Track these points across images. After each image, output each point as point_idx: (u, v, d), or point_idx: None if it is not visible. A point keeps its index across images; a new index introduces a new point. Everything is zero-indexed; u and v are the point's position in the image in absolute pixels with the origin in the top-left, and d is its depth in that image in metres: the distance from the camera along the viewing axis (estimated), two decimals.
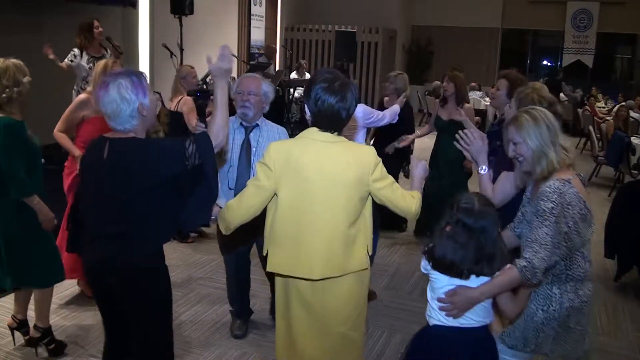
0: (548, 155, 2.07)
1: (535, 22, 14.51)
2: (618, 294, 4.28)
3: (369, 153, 2.19)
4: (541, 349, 2.23)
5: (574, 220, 2.06)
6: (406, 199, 2.26)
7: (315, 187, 2.12)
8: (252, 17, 11.36)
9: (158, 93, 7.54)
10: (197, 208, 2.17)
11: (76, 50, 5.31)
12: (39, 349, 3.07)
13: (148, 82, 2.14)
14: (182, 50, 7.45)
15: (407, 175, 5.10)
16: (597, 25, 14.08)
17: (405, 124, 5.06)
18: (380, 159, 2.21)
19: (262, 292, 3.77)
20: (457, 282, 2.00)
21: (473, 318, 2.04)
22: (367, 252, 2.27)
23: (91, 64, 5.20)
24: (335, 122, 2.16)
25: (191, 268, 4.39)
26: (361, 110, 3.95)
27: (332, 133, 2.17)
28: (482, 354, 2.07)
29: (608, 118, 9.60)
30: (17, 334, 3.15)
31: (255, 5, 11.46)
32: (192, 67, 4.74)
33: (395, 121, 4.34)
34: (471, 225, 1.97)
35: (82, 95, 3.60)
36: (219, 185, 3.12)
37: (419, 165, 2.44)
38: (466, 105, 4.75)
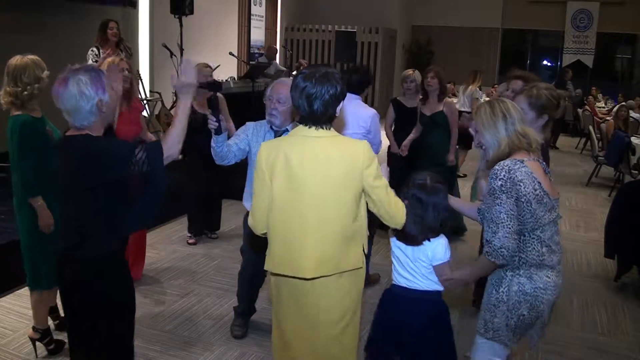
0: (500, 141, 2.15)
1: (535, 22, 14.52)
2: (618, 294, 4.28)
3: (363, 147, 2.11)
4: (499, 336, 2.21)
5: (526, 199, 2.07)
6: (398, 205, 2.19)
7: (306, 184, 2.07)
8: (252, 17, 11.36)
9: (158, 93, 7.56)
10: (139, 214, 2.18)
11: (95, 50, 5.38)
12: (39, 349, 3.08)
13: (106, 79, 2.12)
14: (182, 50, 7.45)
15: None
16: (597, 25, 14.09)
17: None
18: (375, 156, 2.14)
19: (263, 292, 3.77)
20: (415, 248, 2.35)
21: (417, 281, 2.35)
22: (363, 250, 2.22)
23: None
24: (309, 111, 2.06)
25: (191, 268, 4.39)
26: (373, 114, 3.80)
27: (323, 128, 2.10)
28: (433, 316, 2.34)
29: (608, 118, 9.60)
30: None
31: (255, 5, 11.46)
32: (207, 67, 4.57)
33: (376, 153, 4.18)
34: (424, 199, 2.30)
35: None
36: (246, 188, 3.11)
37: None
38: (447, 100, 4.87)
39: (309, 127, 2.10)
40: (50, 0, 6.37)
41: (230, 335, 3.38)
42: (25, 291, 3.78)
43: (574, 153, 10.64)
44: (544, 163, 2.23)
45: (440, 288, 2.38)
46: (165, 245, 4.84)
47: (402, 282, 2.39)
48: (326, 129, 2.11)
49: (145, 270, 4.22)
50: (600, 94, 13.21)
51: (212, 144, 2.86)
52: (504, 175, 2.07)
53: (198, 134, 4.52)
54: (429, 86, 4.78)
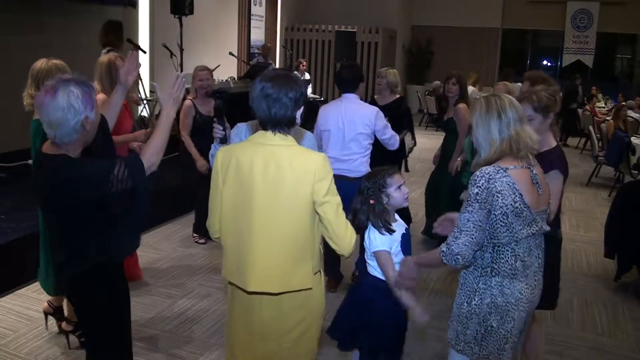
0: (491, 143, 2.04)
1: (535, 22, 14.51)
2: (618, 294, 4.28)
3: (318, 159, 1.99)
4: (471, 349, 2.14)
5: (502, 211, 1.98)
6: (347, 229, 2.04)
7: (255, 192, 1.97)
8: (252, 17, 11.36)
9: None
10: (126, 236, 2.13)
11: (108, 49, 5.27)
12: (71, 338, 3.16)
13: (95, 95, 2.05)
14: (182, 50, 7.45)
15: (407, 169, 5.14)
16: (597, 25, 14.08)
17: (403, 120, 5.06)
18: (332, 171, 2.02)
19: None
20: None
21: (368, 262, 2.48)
22: (313, 270, 2.08)
23: None
24: (267, 113, 1.97)
25: (191, 268, 4.39)
26: (376, 111, 3.77)
27: (281, 133, 2.00)
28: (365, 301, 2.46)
29: (608, 118, 9.60)
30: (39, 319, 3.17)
31: (255, 5, 11.46)
32: (203, 70, 4.57)
33: (396, 148, 4.09)
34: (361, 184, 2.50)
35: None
36: None
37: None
38: (460, 105, 4.65)
39: (266, 132, 2.01)
40: (50, 0, 6.36)
41: None
42: (25, 291, 3.80)
43: (574, 153, 10.64)
44: (535, 171, 2.11)
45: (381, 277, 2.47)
46: (166, 245, 4.84)
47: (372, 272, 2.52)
48: (284, 134, 2.01)
49: (146, 270, 4.22)
50: (600, 94, 13.21)
51: (215, 152, 2.79)
52: (482, 184, 1.99)
53: (200, 135, 4.52)
54: (449, 92, 4.68)
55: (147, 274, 4.20)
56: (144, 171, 2.04)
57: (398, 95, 5.00)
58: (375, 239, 2.42)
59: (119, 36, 5.40)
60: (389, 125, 3.86)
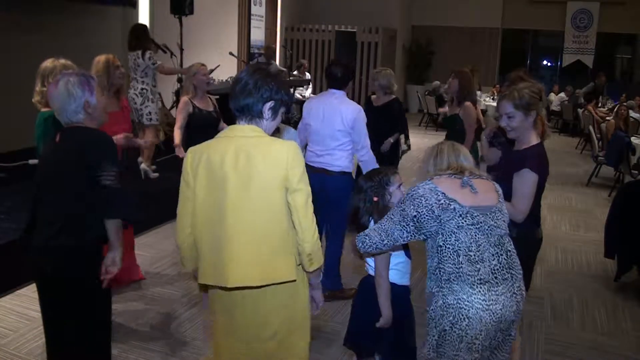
0: (426, 174, 2.26)
1: (535, 22, 14.52)
2: (618, 294, 4.28)
3: (289, 147, 1.99)
4: (429, 355, 2.13)
5: (428, 208, 2.05)
6: (313, 222, 2.00)
7: (228, 185, 1.95)
8: (252, 17, 11.36)
9: (158, 93, 7.56)
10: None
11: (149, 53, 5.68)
12: None
13: (95, 85, 2.35)
14: (182, 50, 7.46)
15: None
16: (597, 25, 14.09)
17: (397, 121, 5.04)
18: (303, 160, 2.03)
19: None
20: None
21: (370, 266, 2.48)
22: (296, 263, 2.04)
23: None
24: (239, 101, 1.99)
25: None
26: (358, 109, 3.70)
27: (250, 123, 2.01)
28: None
29: (608, 118, 9.61)
30: None
31: (255, 5, 11.46)
32: (204, 65, 4.56)
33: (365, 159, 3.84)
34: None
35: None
36: None
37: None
38: (466, 103, 4.57)
39: (236, 126, 2.04)
40: (50, 0, 6.37)
41: None
42: (25, 291, 3.79)
43: (574, 153, 10.64)
44: (468, 178, 2.12)
45: (401, 281, 2.49)
46: (166, 245, 4.84)
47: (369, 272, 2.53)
48: (253, 125, 2.02)
49: (146, 270, 4.22)
50: (601, 94, 13.21)
51: None
52: (407, 193, 2.17)
53: (201, 133, 4.44)
54: (448, 88, 4.69)
55: (148, 273, 4.20)
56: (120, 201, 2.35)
57: (393, 97, 4.98)
58: None
59: (149, 38, 5.69)
60: (367, 135, 3.73)
